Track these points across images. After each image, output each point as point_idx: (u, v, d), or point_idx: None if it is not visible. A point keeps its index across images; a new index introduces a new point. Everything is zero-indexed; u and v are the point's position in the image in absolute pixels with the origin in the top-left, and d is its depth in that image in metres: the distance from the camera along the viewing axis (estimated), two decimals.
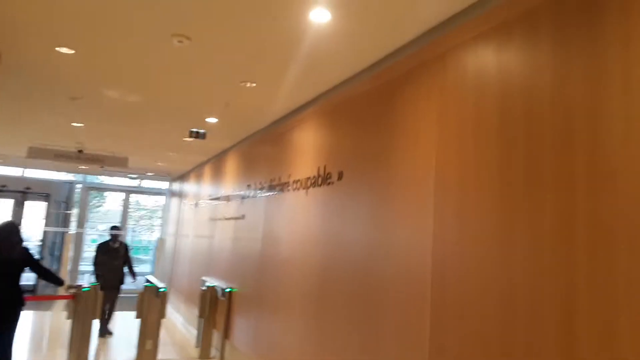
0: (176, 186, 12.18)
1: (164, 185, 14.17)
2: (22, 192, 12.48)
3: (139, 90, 4.80)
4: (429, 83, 2.93)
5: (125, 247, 7.90)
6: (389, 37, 3.12)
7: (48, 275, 5.07)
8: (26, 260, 4.76)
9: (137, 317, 6.07)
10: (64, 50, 3.74)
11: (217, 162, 8.22)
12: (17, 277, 4.68)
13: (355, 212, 3.62)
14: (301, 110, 4.84)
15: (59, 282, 5.17)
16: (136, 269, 8.11)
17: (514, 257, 2.16)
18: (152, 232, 20.05)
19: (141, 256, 20.43)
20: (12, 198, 12.57)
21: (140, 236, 20.27)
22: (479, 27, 2.56)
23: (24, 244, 4.86)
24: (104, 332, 7.43)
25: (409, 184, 3.01)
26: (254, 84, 4.30)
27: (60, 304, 10.29)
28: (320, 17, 2.91)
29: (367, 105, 3.63)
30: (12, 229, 4.80)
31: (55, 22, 3.24)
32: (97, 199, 19.32)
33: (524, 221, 2.13)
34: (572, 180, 1.94)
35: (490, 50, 2.46)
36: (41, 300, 10.02)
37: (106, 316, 7.45)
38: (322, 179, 4.21)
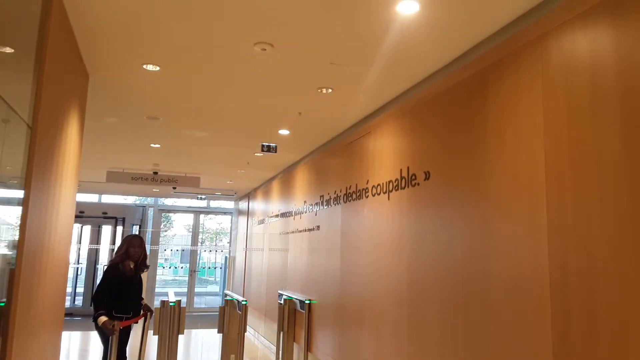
0: (243, 204, 12.37)
1: (229, 205, 14.45)
2: (99, 217, 13.11)
3: (216, 106, 4.89)
4: (529, 70, 2.74)
5: None
6: (480, 24, 2.98)
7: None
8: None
9: (219, 331, 6.11)
10: (150, 67, 3.86)
11: (285, 176, 8.25)
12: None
13: (447, 213, 3.44)
14: (377, 113, 4.74)
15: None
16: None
17: None
18: (217, 252, 20.48)
19: (207, 277, 20.90)
20: (90, 224, 13.24)
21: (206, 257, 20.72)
22: (589, 0, 2.37)
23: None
24: None
25: (511, 179, 2.81)
26: (330, 90, 4.26)
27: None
28: (407, 8, 2.82)
29: (455, 100, 3.47)
30: (144, 247, 5.16)
31: (144, 38, 3.34)
32: (164, 223, 19.96)
33: None
34: None
35: (606, 26, 2.26)
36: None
37: None
38: (406, 181, 4.06)
